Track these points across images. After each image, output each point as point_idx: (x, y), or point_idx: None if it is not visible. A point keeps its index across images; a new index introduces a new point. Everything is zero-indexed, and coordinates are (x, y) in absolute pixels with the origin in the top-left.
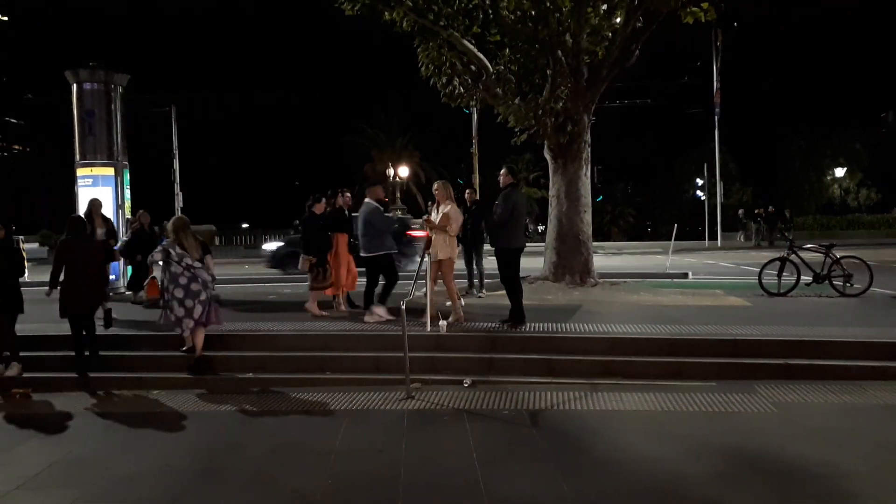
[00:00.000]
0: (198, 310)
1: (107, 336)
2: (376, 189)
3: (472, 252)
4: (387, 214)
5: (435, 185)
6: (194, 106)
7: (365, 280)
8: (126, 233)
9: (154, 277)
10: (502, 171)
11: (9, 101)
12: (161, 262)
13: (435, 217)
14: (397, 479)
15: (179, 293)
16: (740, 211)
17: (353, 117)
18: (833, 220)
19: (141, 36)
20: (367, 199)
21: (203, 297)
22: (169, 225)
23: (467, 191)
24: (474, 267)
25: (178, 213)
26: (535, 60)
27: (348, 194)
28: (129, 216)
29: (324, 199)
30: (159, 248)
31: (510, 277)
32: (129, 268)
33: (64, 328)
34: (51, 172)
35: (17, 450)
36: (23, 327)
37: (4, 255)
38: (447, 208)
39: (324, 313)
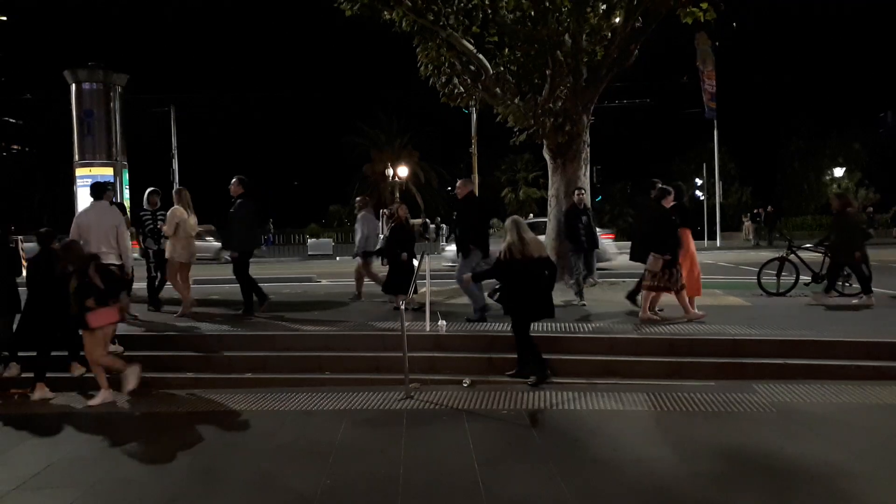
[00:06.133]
0: None
1: None
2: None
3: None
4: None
5: None
6: (193, 106)
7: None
8: (384, 229)
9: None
10: (233, 182)
11: (8, 101)
12: None
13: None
14: (397, 479)
15: None
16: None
17: (353, 117)
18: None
19: (140, 36)
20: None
21: None
22: None
23: (578, 192)
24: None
25: None
26: (534, 60)
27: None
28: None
29: (670, 194)
30: None
31: (242, 275)
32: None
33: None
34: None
35: (16, 450)
36: None
37: (2, 255)
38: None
39: (655, 317)
